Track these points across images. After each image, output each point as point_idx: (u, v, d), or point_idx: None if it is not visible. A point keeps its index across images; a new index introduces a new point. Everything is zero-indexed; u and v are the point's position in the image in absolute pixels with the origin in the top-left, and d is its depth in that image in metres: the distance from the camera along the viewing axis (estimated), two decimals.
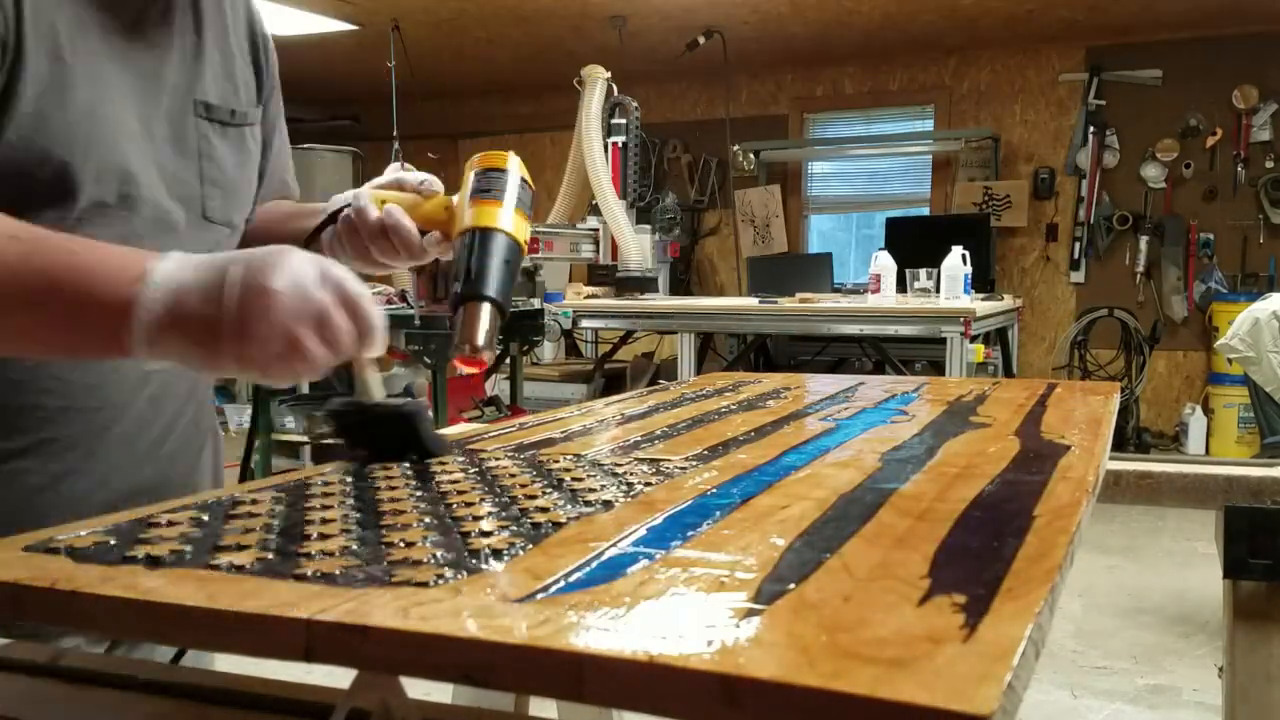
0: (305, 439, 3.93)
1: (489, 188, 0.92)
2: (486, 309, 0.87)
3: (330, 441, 3.86)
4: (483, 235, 0.89)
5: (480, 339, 0.86)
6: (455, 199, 0.94)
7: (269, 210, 1.09)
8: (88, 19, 0.82)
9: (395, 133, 5.61)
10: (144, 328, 0.67)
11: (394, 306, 4.07)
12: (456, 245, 0.91)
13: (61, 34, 0.80)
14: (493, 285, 0.88)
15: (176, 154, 0.90)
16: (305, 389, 4.57)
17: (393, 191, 0.96)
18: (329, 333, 0.70)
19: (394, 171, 0.99)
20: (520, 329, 4.38)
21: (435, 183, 0.97)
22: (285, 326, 0.68)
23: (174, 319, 0.67)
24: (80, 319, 0.70)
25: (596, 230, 5.21)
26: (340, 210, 0.96)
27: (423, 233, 0.94)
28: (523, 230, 0.92)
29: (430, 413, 0.89)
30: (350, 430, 0.84)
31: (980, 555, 0.53)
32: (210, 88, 0.94)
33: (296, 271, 0.69)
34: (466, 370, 0.88)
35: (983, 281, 5.22)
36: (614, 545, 0.54)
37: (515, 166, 0.94)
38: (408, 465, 0.79)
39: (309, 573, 0.50)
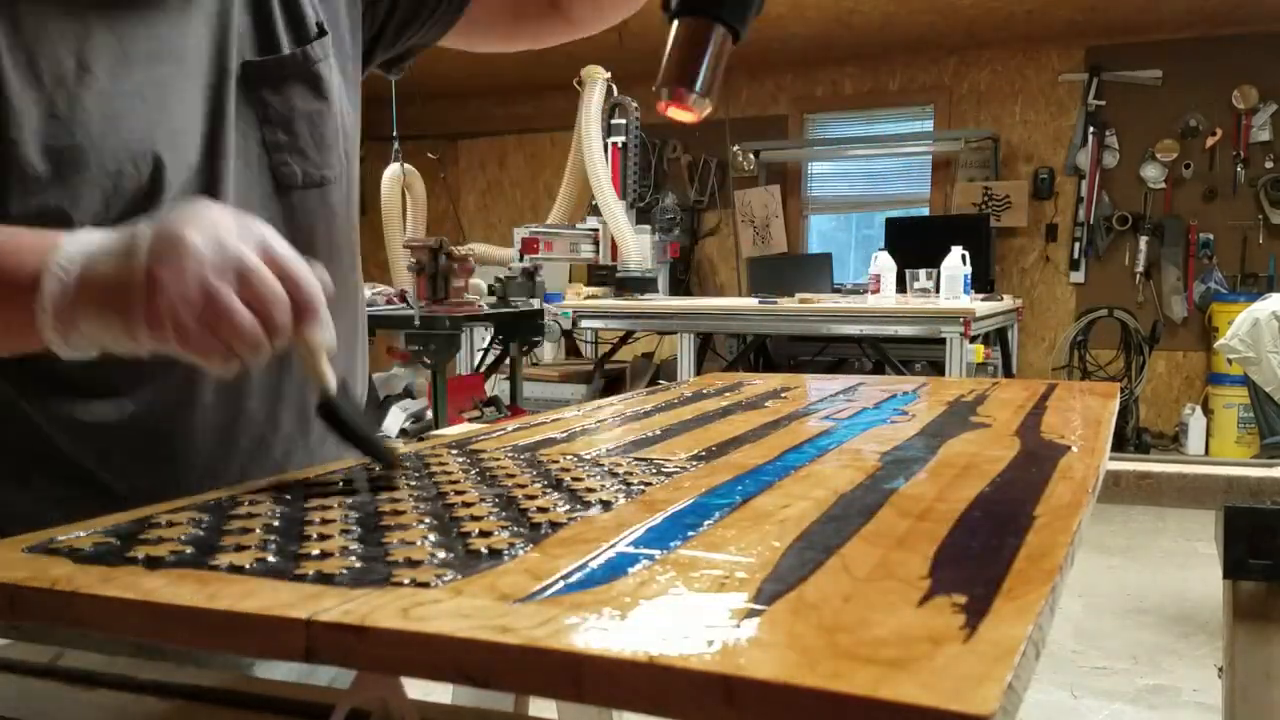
0: None
1: None
2: (717, 31, 0.65)
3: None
4: None
5: (699, 76, 0.64)
6: None
7: None
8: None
9: (395, 133, 5.61)
10: (53, 298, 0.62)
11: (394, 307, 4.07)
12: None
13: (56, 32, 0.74)
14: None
15: (211, 127, 0.82)
16: None
17: None
18: (255, 291, 0.62)
19: None
20: (520, 329, 4.38)
21: None
22: (200, 276, 0.60)
23: (84, 285, 0.62)
24: None
25: (596, 230, 5.21)
26: None
27: None
28: None
29: (357, 400, 0.79)
30: (332, 425, 0.72)
31: (980, 555, 0.53)
32: (263, 41, 0.85)
33: (214, 219, 0.63)
34: (679, 117, 0.67)
35: (982, 282, 5.22)
36: (614, 545, 0.54)
37: None
38: (407, 464, 0.79)
39: (309, 573, 0.50)
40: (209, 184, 0.81)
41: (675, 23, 0.69)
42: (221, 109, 0.82)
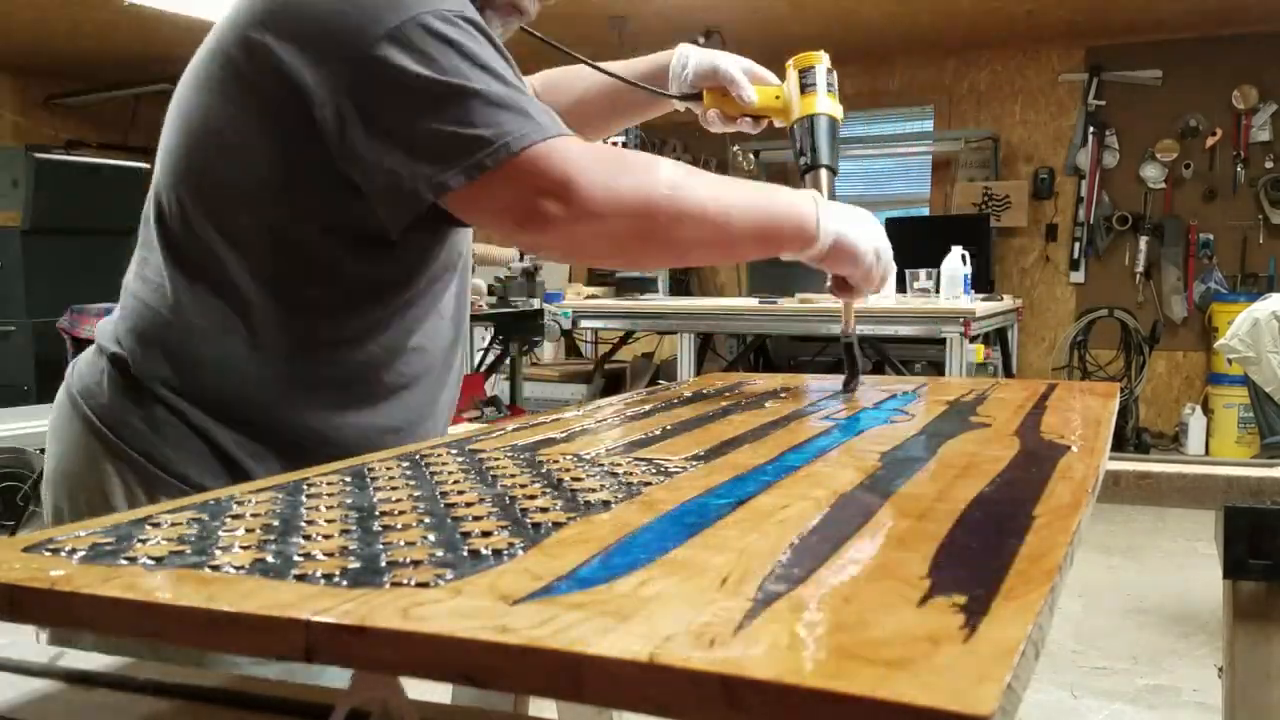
0: None
1: (811, 81, 1.24)
2: (824, 174, 1.22)
3: None
4: (812, 120, 1.23)
5: (825, 195, 1.19)
6: (784, 89, 1.27)
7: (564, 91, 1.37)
8: None
9: None
10: (813, 255, 1.08)
11: None
12: (794, 130, 1.25)
13: None
14: (825, 156, 1.22)
15: None
16: None
17: (717, 94, 1.27)
18: (885, 268, 1.15)
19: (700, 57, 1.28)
20: (520, 329, 4.38)
21: (759, 74, 1.29)
22: (888, 254, 1.15)
23: (834, 254, 1.09)
24: (778, 239, 1.07)
25: None
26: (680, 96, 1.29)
27: (753, 117, 1.28)
28: (837, 109, 1.25)
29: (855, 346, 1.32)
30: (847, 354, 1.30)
31: (980, 555, 0.53)
32: None
33: (879, 233, 1.15)
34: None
35: (982, 282, 5.22)
36: (614, 545, 0.54)
37: (824, 61, 1.25)
38: (406, 464, 0.79)
39: (309, 573, 0.50)
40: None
41: (806, 176, 1.23)
42: None
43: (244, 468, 0.99)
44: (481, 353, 4.83)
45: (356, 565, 0.51)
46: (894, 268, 1.17)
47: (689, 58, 1.28)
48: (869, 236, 1.12)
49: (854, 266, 1.11)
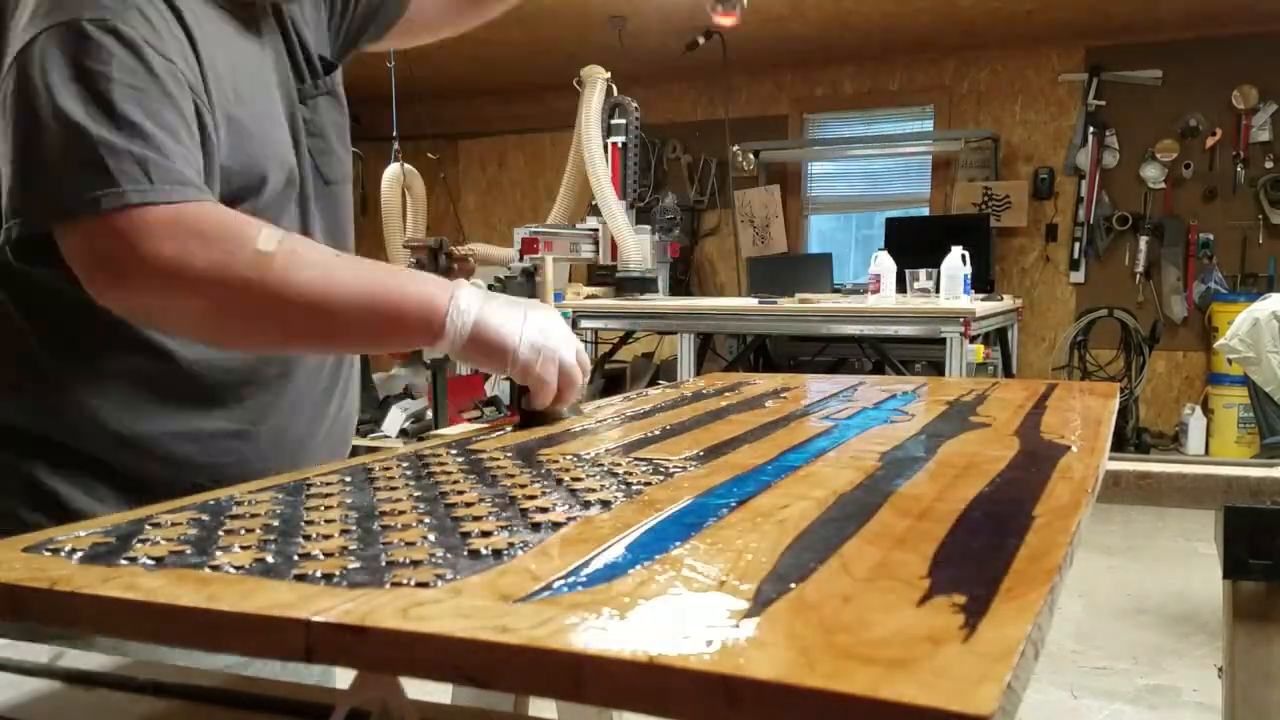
0: None
1: None
2: None
3: None
4: None
5: None
6: None
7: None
8: (233, 46, 0.98)
9: (395, 133, 5.60)
10: (450, 344, 0.90)
11: None
12: None
13: (224, 72, 0.94)
14: None
15: (293, 136, 1.05)
16: None
17: None
18: (567, 377, 0.98)
19: None
20: None
21: None
22: (557, 357, 0.96)
23: (474, 343, 0.91)
24: (400, 324, 0.91)
25: (596, 230, 5.20)
26: None
27: None
28: None
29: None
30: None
31: (980, 555, 0.53)
32: (296, 71, 1.07)
33: (561, 328, 0.98)
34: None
35: (982, 282, 5.22)
36: (614, 545, 0.54)
37: None
38: (406, 464, 0.79)
39: (309, 573, 0.50)
40: (300, 182, 1.05)
41: None
42: (296, 124, 1.06)
43: (63, 500, 0.92)
44: None
45: (356, 565, 0.51)
46: (580, 373, 1.00)
47: None
48: (533, 331, 0.94)
49: (500, 362, 0.92)
